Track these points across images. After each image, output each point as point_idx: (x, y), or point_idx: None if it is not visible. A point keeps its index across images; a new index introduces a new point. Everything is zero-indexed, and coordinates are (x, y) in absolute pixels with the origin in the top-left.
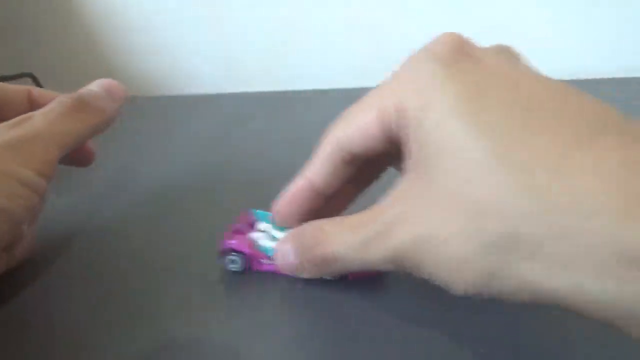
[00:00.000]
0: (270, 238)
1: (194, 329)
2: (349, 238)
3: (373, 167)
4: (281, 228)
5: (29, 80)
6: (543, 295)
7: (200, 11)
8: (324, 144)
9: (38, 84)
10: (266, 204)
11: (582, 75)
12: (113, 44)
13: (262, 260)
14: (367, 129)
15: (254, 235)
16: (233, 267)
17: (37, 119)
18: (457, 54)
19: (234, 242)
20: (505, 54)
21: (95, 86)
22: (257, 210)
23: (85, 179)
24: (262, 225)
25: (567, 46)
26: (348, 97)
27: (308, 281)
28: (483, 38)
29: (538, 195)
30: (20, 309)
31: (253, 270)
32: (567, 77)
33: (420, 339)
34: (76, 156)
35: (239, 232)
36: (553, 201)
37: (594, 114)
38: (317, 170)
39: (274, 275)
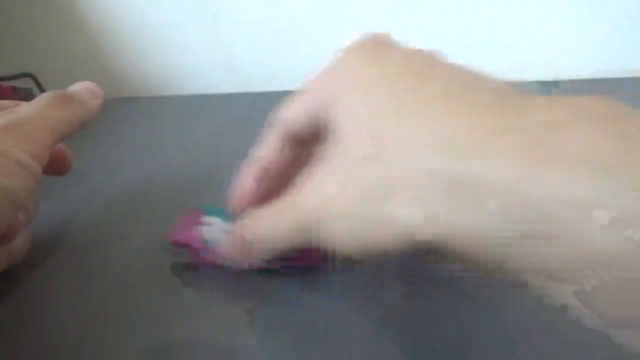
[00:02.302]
0: (219, 231)
1: (191, 329)
2: (266, 216)
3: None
4: (230, 219)
5: (29, 80)
6: (413, 235)
7: (200, 11)
8: (271, 126)
9: (38, 84)
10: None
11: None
12: (113, 44)
13: (207, 253)
14: (302, 114)
15: (201, 228)
16: (182, 260)
17: (25, 108)
18: (370, 48)
19: (182, 235)
20: (423, 51)
21: (73, 86)
22: (206, 205)
23: (84, 179)
24: (210, 219)
25: (570, 45)
26: None
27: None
28: (483, 40)
29: (394, 144)
30: (17, 310)
31: (199, 263)
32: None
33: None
34: (53, 163)
35: (186, 227)
36: (391, 144)
37: (476, 81)
38: (266, 150)
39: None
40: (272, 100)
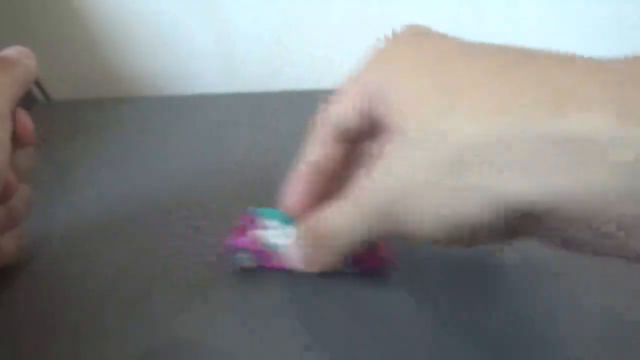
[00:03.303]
0: (280, 234)
1: (190, 329)
2: (339, 209)
3: (366, 144)
4: (290, 222)
5: None
6: (510, 203)
7: (200, 11)
8: (318, 125)
9: (38, 84)
10: (267, 204)
11: None
12: (113, 44)
13: (271, 257)
14: (353, 109)
15: (261, 232)
16: (243, 264)
17: None
18: (415, 35)
19: (241, 240)
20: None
21: (4, 51)
22: (261, 208)
23: (84, 178)
24: (269, 222)
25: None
26: None
27: (307, 277)
28: (482, 38)
29: (468, 110)
30: (15, 310)
31: (263, 268)
32: None
33: (425, 330)
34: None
35: (244, 230)
36: (483, 108)
37: (521, 53)
38: (316, 150)
39: (272, 273)
40: (272, 100)
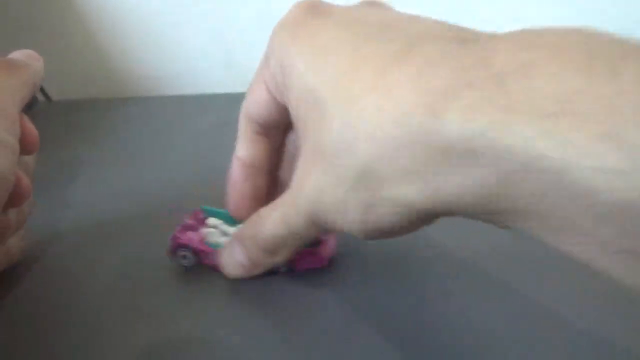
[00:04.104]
0: (221, 233)
1: (192, 329)
2: (273, 214)
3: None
4: (232, 222)
5: None
6: (416, 208)
7: (200, 11)
8: (240, 120)
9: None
10: None
11: None
12: (113, 44)
13: (208, 256)
14: (261, 100)
15: (204, 231)
16: (183, 262)
17: None
18: (306, 16)
19: (183, 238)
20: (370, 4)
21: (12, 55)
22: (207, 207)
23: (84, 178)
24: (212, 221)
25: None
26: None
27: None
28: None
29: (359, 118)
30: (16, 310)
31: (203, 265)
32: None
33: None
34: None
35: (190, 228)
36: (374, 118)
37: (425, 27)
38: (242, 148)
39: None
40: None
